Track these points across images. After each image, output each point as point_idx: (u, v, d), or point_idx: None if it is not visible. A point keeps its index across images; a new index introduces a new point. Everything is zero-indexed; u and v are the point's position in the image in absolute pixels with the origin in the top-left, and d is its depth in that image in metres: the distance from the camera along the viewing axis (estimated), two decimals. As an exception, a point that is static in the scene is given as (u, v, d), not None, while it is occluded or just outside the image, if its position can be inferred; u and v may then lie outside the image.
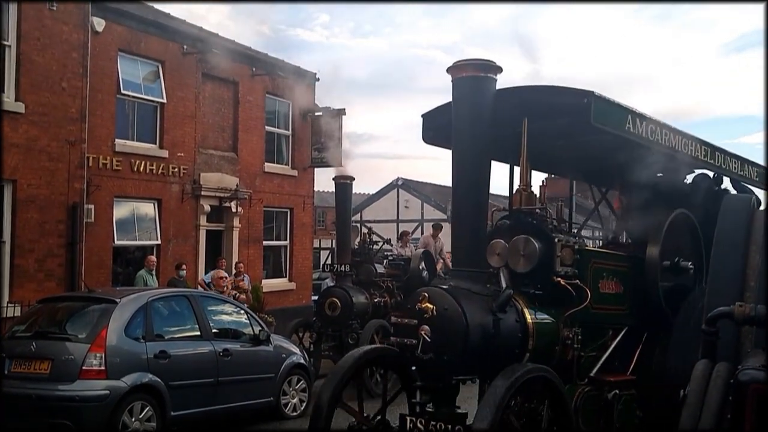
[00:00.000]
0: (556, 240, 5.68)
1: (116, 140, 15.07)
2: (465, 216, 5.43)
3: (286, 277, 20.15)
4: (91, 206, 14.27)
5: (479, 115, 5.34)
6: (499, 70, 5.38)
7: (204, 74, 17.17)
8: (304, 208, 20.46)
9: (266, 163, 19.09)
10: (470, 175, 5.42)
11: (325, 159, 19.57)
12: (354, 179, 13.88)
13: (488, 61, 5.36)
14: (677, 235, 6.78)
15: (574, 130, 6.08)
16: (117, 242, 15.30)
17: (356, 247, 14.32)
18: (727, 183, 7.73)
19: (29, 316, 9.31)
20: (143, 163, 15.58)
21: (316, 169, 20.52)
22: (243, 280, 14.94)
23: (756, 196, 7.58)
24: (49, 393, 7.75)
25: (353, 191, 14.43)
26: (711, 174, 7.41)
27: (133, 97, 15.62)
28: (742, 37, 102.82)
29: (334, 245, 21.96)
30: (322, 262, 28.25)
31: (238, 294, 13.71)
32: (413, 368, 5.33)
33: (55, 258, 13.43)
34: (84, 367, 7.85)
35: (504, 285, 5.40)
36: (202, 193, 16.88)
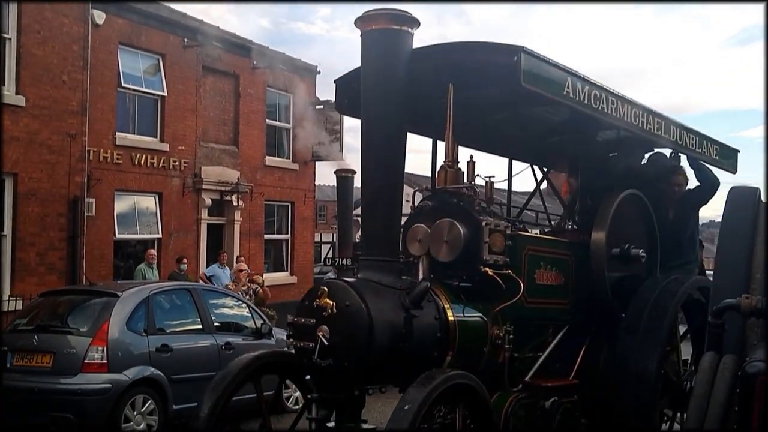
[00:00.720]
0: (483, 224, 4.86)
1: (117, 133, 15.05)
2: (375, 196, 4.60)
3: (287, 270, 20.15)
4: (92, 200, 14.25)
5: (392, 76, 4.50)
6: (416, 23, 4.57)
7: (205, 67, 17.13)
8: (305, 201, 20.44)
9: (267, 157, 19.07)
10: (381, 148, 4.58)
11: (326, 152, 19.52)
12: (355, 173, 13.82)
13: (401, 11, 4.51)
14: (627, 218, 6.04)
15: (508, 100, 5.42)
16: (118, 236, 15.28)
17: (358, 240, 14.26)
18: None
19: (31, 310, 9.30)
20: (144, 156, 15.56)
21: (317, 162, 20.49)
22: (256, 274, 14.85)
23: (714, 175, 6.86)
24: (51, 386, 7.73)
25: (355, 185, 14.39)
26: (668, 153, 6.80)
27: (134, 90, 15.58)
28: (744, 30, 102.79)
29: (335, 239, 21.96)
30: (323, 256, 28.25)
31: (258, 288, 13.47)
32: (307, 377, 4.55)
33: (57, 251, 13.42)
34: (86, 361, 7.84)
35: (421, 276, 4.74)
36: (203, 186, 16.86)
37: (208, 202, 17.08)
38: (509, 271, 4.93)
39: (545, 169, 7.17)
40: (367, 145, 4.63)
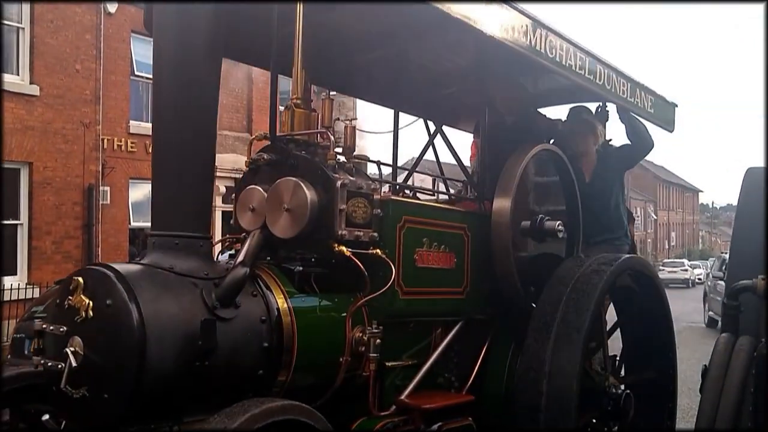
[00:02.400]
0: (338, 183, 3.49)
1: (131, 122, 15.12)
2: (169, 144, 3.31)
3: (301, 257, 20.19)
4: (107, 188, 14.35)
5: None
6: None
7: (217, 55, 17.16)
8: (319, 188, 20.47)
9: (281, 144, 19.10)
10: (179, 79, 3.24)
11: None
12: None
13: None
14: (541, 182, 4.80)
15: (386, 30, 4.29)
16: (133, 224, 15.37)
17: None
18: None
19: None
20: (158, 144, 15.63)
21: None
22: None
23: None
24: (68, 373, 7.80)
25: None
26: (594, 108, 5.53)
27: (147, 78, 15.61)
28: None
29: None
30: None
31: None
32: (45, 417, 3.40)
33: (72, 240, 13.53)
34: (102, 347, 7.90)
35: (240, 258, 3.31)
36: (217, 174, 16.87)
37: (222, 189, 17.13)
38: (377, 250, 3.61)
39: (442, 125, 5.68)
40: (159, 74, 3.28)
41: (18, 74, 12.86)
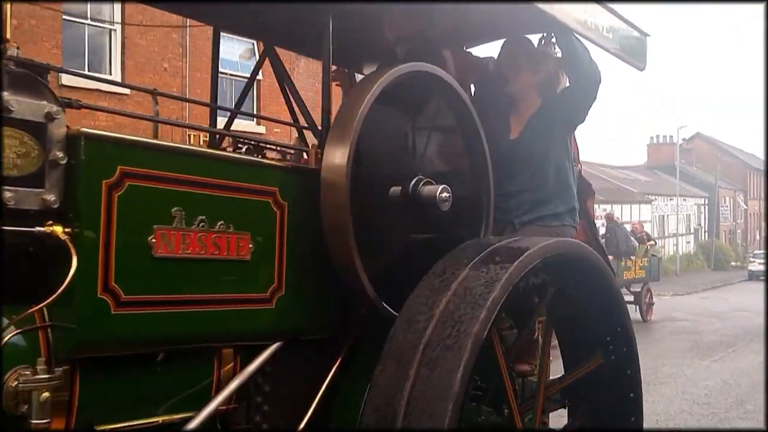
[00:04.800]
0: None
1: (216, 119, 15.50)
2: None
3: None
4: (194, 182, 14.80)
5: None
6: None
7: (298, 50, 17.44)
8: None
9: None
10: None
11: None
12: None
13: None
14: (420, 126, 3.10)
15: None
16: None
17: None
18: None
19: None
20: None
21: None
22: None
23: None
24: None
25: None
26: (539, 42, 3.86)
27: (231, 74, 16.02)
28: None
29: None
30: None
31: None
32: None
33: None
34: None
35: None
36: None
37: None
38: (55, 228, 2.04)
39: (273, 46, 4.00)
40: None
41: (111, 74, 13.40)
